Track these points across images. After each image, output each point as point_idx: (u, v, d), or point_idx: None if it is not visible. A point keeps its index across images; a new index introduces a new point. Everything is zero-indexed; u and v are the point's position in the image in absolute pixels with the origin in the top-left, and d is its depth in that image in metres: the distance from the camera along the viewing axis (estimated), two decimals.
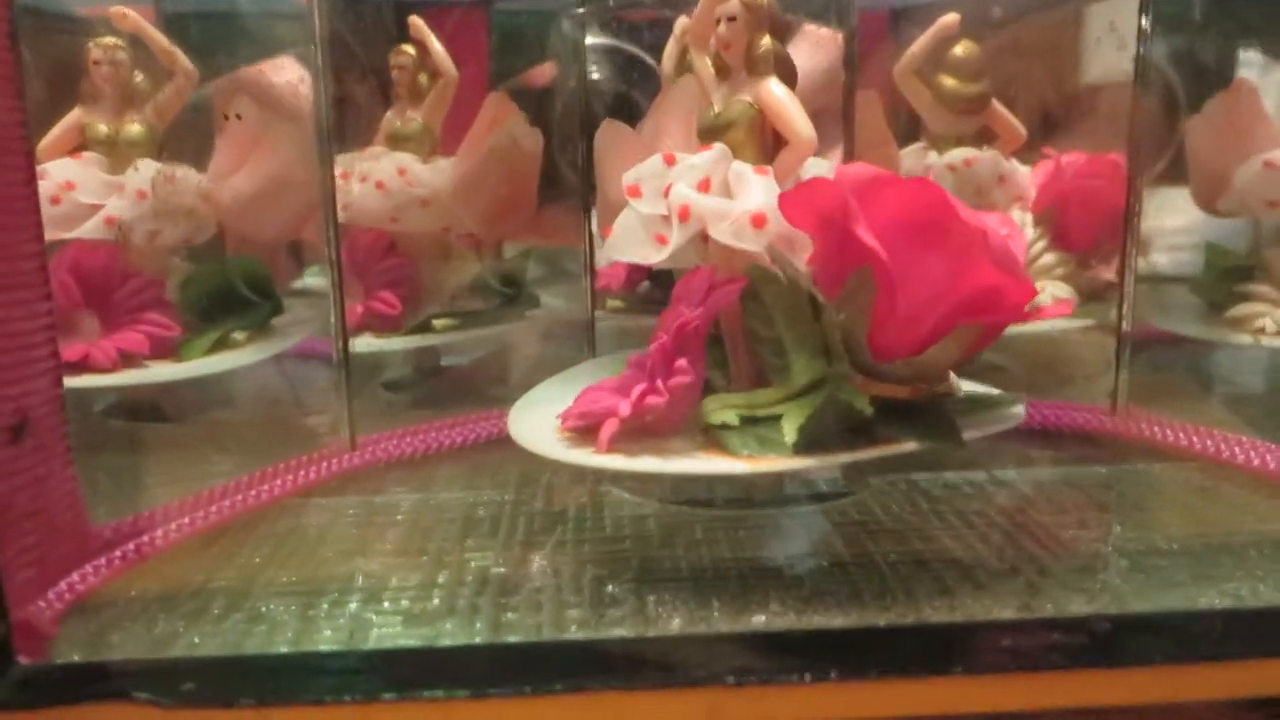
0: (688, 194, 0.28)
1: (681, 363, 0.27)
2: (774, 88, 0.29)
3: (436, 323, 0.46)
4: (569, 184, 0.44)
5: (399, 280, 0.47)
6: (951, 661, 0.22)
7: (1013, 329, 0.30)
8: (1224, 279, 0.45)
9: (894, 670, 0.22)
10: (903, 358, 0.26)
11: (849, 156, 0.42)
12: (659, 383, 0.27)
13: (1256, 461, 0.33)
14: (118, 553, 0.27)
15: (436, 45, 0.46)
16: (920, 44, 0.48)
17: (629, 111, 0.44)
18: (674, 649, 0.23)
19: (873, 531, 0.29)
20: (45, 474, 0.26)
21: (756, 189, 0.28)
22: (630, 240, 0.29)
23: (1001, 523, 0.30)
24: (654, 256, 0.29)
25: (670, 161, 0.30)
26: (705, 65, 0.31)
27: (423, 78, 0.47)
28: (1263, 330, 0.41)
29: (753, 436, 0.26)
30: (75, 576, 0.26)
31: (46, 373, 0.26)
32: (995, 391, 0.31)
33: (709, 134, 0.30)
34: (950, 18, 0.47)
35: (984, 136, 0.49)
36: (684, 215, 0.28)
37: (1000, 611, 0.24)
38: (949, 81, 0.48)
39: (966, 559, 0.27)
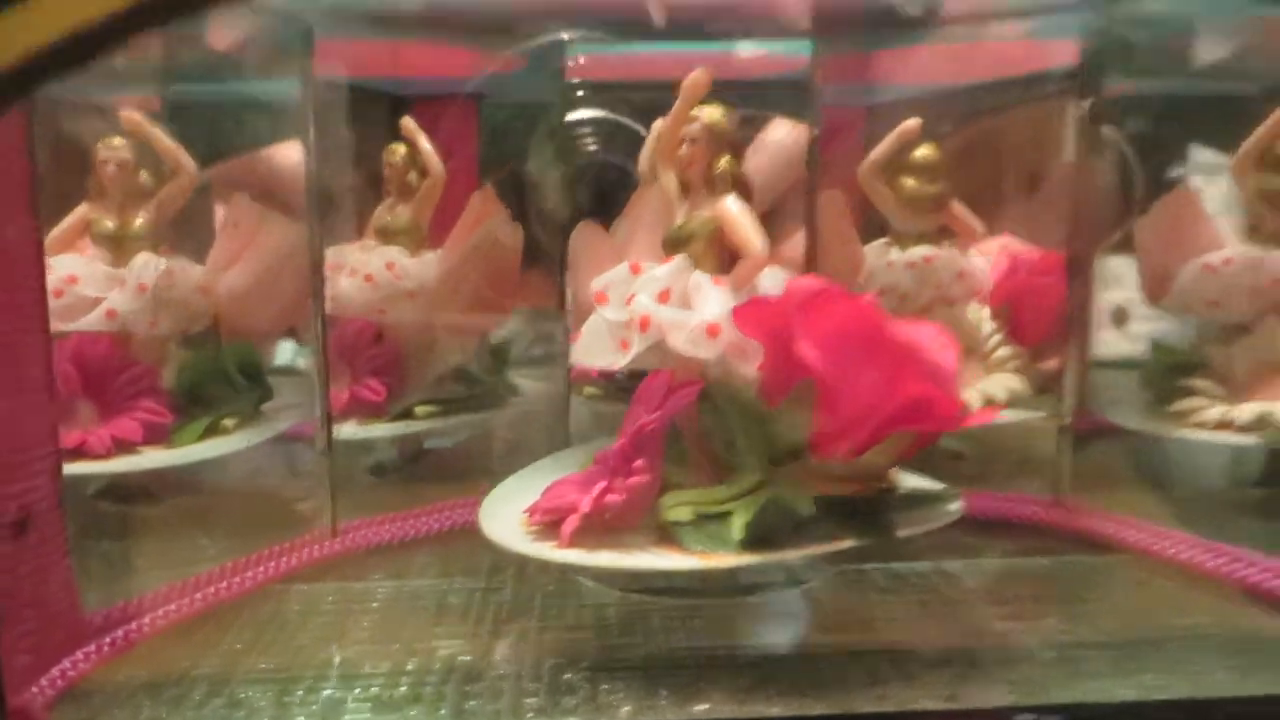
0: (648, 305, 0.30)
1: (639, 463, 0.29)
2: (730, 204, 0.32)
3: (419, 409, 0.48)
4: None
5: (385, 368, 0.49)
6: None
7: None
8: (1169, 374, 0.47)
9: None
10: (842, 461, 0.28)
11: (810, 255, 0.45)
12: (618, 482, 0.29)
13: (1186, 556, 0.35)
14: (107, 639, 0.29)
15: (425, 145, 0.49)
16: (883, 147, 0.51)
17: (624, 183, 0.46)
18: None
19: (819, 621, 0.31)
20: (45, 566, 0.28)
21: (713, 300, 0.31)
22: (595, 345, 0.32)
23: (940, 614, 0.32)
24: (617, 362, 0.31)
25: (636, 271, 0.33)
26: (671, 180, 0.34)
27: (412, 175, 0.50)
28: (1203, 424, 0.43)
29: (705, 533, 0.28)
30: (67, 663, 0.28)
31: (49, 470, 0.28)
32: (937, 487, 0.33)
33: (672, 245, 0.33)
34: (912, 123, 0.50)
35: (945, 233, 0.52)
36: (644, 325, 0.30)
37: (927, 702, 0.25)
38: (910, 183, 0.51)
39: (902, 649, 0.29)
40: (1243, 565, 0.33)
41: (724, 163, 0.32)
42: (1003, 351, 0.50)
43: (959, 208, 0.52)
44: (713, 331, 0.30)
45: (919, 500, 0.31)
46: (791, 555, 0.28)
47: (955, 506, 0.32)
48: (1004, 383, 0.49)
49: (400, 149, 0.49)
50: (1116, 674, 0.27)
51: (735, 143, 0.33)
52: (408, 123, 0.49)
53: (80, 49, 0.19)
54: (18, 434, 0.27)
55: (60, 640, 0.28)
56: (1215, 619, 0.31)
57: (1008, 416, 0.46)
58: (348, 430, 0.47)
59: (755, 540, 0.28)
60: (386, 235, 0.49)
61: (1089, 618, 0.31)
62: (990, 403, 0.48)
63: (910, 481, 0.33)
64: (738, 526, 0.28)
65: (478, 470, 0.50)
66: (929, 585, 0.34)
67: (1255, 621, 0.31)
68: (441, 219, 0.50)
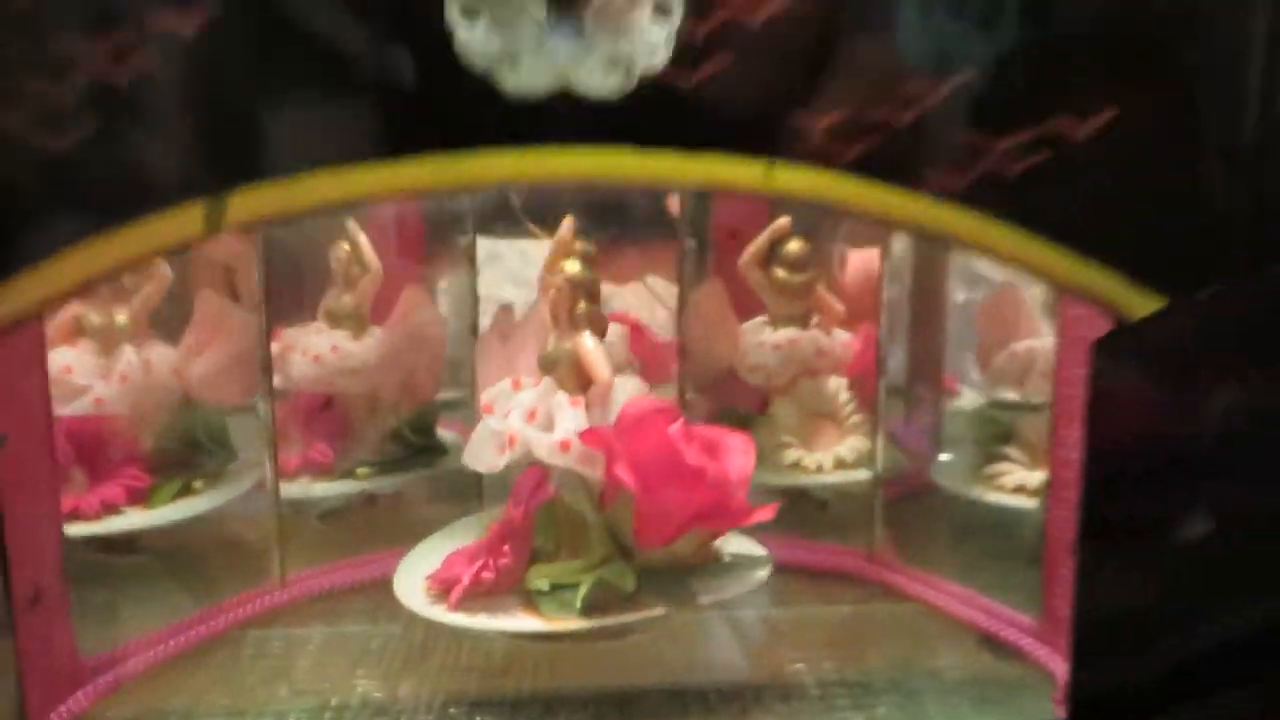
0: (516, 425, 0.39)
1: (506, 549, 0.38)
2: (586, 340, 0.41)
3: (360, 470, 0.57)
4: None
5: (332, 433, 0.58)
6: None
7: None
8: (988, 441, 0.57)
9: None
10: (657, 548, 0.38)
11: (682, 339, 0.54)
12: (491, 561, 0.38)
13: (959, 608, 0.44)
14: (100, 680, 0.38)
15: (363, 243, 0.58)
16: (758, 242, 0.60)
17: None
18: None
19: (652, 663, 0.40)
20: (52, 626, 0.36)
21: (568, 419, 0.40)
22: (480, 449, 0.41)
23: (749, 655, 0.41)
24: (496, 466, 0.40)
25: (516, 387, 0.42)
26: (545, 311, 0.43)
27: (355, 268, 0.58)
28: (1003, 488, 0.53)
29: (557, 601, 0.38)
30: (71, 701, 0.37)
31: (54, 545, 0.37)
32: (756, 553, 0.42)
33: (543, 366, 0.42)
34: (782, 221, 0.59)
35: (811, 314, 0.61)
36: (512, 442, 0.39)
37: None
38: (781, 273, 0.60)
39: (709, 686, 0.38)
40: (983, 615, 0.42)
41: (582, 307, 0.41)
42: (856, 418, 0.59)
43: (824, 293, 0.61)
44: (565, 447, 0.39)
45: (731, 569, 0.41)
46: (613, 621, 0.37)
47: (763, 573, 0.41)
48: (855, 445, 0.58)
49: (345, 245, 0.58)
50: (857, 709, 0.36)
51: (594, 289, 0.42)
52: (351, 224, 0.58)
53: None
54: (33, 521, 0.36)
55: (63, 683, 0.37)
56: (958, 661, 0.40)
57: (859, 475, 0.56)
58: (300, 487, 0.56)
59: (590, 609, 0.37)
60: (333, 320, 0.58)
61: (859, 660, 0.40)
62: (841, 463, 0.57)
63: (735, 547, 0.42)
64: (577, 598, 0.37)
65: (409, 521, 0.59)
66: (749, 631, 0.43)
67: (988, 664, 0.40)
68: (381, 306, 0.59)
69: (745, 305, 0.60)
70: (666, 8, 0.27)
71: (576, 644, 0.40)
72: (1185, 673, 0.28)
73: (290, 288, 0.59)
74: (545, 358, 0.42)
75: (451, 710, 0.37)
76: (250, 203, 0.27)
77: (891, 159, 0.29)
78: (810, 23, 0.28)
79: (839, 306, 0.61)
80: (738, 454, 0.39)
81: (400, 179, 0.28)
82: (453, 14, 0.27)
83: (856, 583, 0.48)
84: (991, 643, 0.41)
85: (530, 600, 0.38)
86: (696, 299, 0.60)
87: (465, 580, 0.38)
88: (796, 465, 0.57)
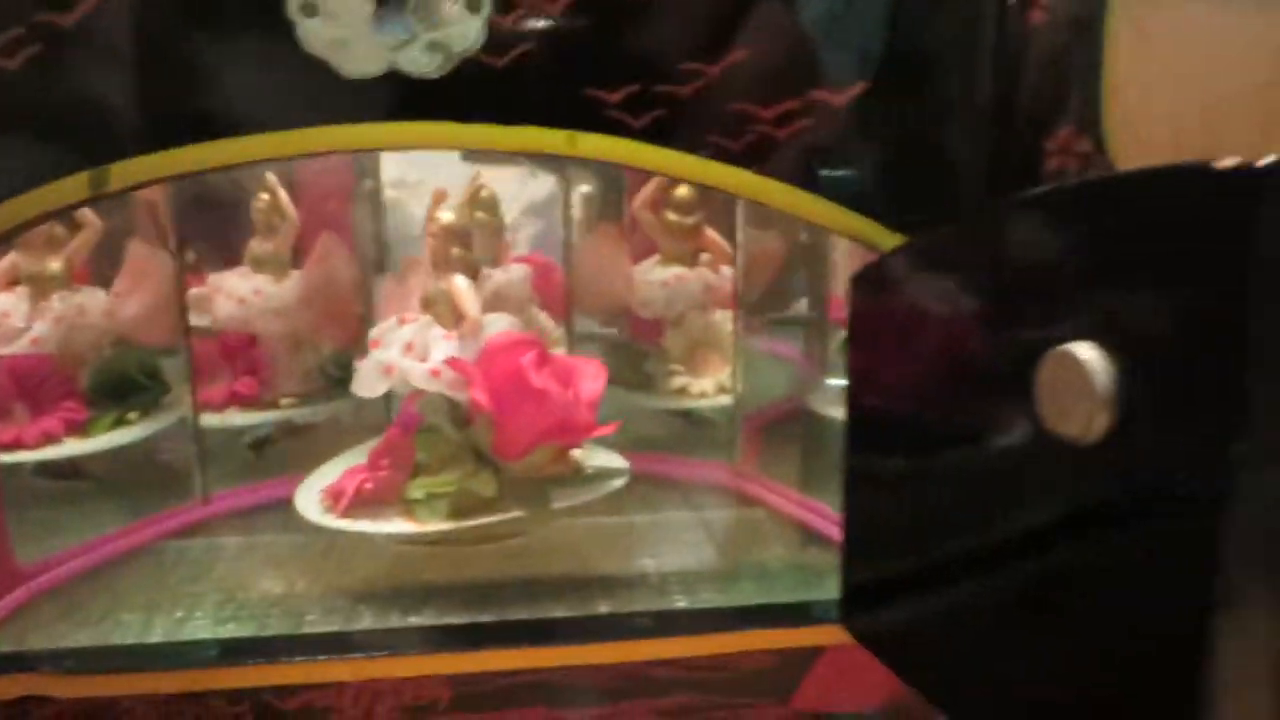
0: (394, 356, 0.45)
1: (385, 462, 0.44)
2: (458, 281, 0.46)
3: (283, 401, 0.62)
4: None
5: (257, 368, 0.63)
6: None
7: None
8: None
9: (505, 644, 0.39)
10: (515, 460, 0.43)
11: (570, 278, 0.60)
12: (372, 474, 0.44)
13: (797, 511, 0.50)
14: (35, 582, 0.44)
15: (282, 196, 0.62)
16: (649, 187, 0.65)
17: None
18: (367, 638, 0.40)
19: (520, 559, 0.46)
20: None
21: (440, 350, 0.45)
22: (365, 378, 0.46)
23: (610, 552, 0.47)
24: (378, 390, 0.45)
25: (402, 322, 0.47)
26: (428, 253, 0.48)
27: (275, 217, 0.63)
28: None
29: (429, 508, 0.43)
30: (8, 599, 0.42)
31: None
32: (615, 465, 0.48)
33: (423, 304, 0.47)
34: None
35: (701, 253, 0.67)
36: (390, 371, 0.45)
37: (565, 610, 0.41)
38: (671, 216, 0.65)
39: (559, 579, 0.44)
40: (816, 516, 0.48)
41: (455, 251, 0.46)
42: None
43: (711, 234, 0.66)
44: (435, 374, 0.44)
45: (589, 479, 0.47)
46: (475, 523, 0.43)
47: (618, 482, 0.47)
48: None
49: (264, 196, 0.63)
50: (685, 594, 0.42)
51: (465, 236, 0.47)
52: (269, 177, 0.62)
53: None
54: None
55: (2, 584, 0.43)
56: (783, 554, 0.47)
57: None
58: (229, 416, 0.61)
59: (456, 513, 0.43)
60: (257, 264, 0.63)
61: (698, 555, 0.47)
62: (721, 388, 0.63)
63: (599, 460, 0.48)
64: (445, 503, 0.43)
65: (326, 447, 0.64)
66: (611, 533, 0.49)
67: (811, 556, 0.46)
68: (300, 251, 0.64)
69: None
70: (477, 4, 0.33)
71: (452, 546, 0.46)
72: (936, 571, 0.34)
73: (222, 235, 0.64)
74: (425, 297, 0.47)
75: (338, 602, 0.43)
76: (131, 169, 0.33)
77: (677, 126, 0.34)
78: (601, 11, 0.33)
79: (726, 247, 0.67)
80: (588, 379, 0.44)
81: (256, 149, 0.33)
82: (293, 10, 0.32)
83: (719, 493, 0.54)
84: (818, 539, 0.47)
85: (409, 508, 0.44)
86: (592, 241, 0.65)
87: (349, 491, 0.44)
88: (683, 390, 0.63)
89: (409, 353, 0.45)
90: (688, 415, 0.64)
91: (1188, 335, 0.22)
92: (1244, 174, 0.20)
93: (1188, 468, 0.22)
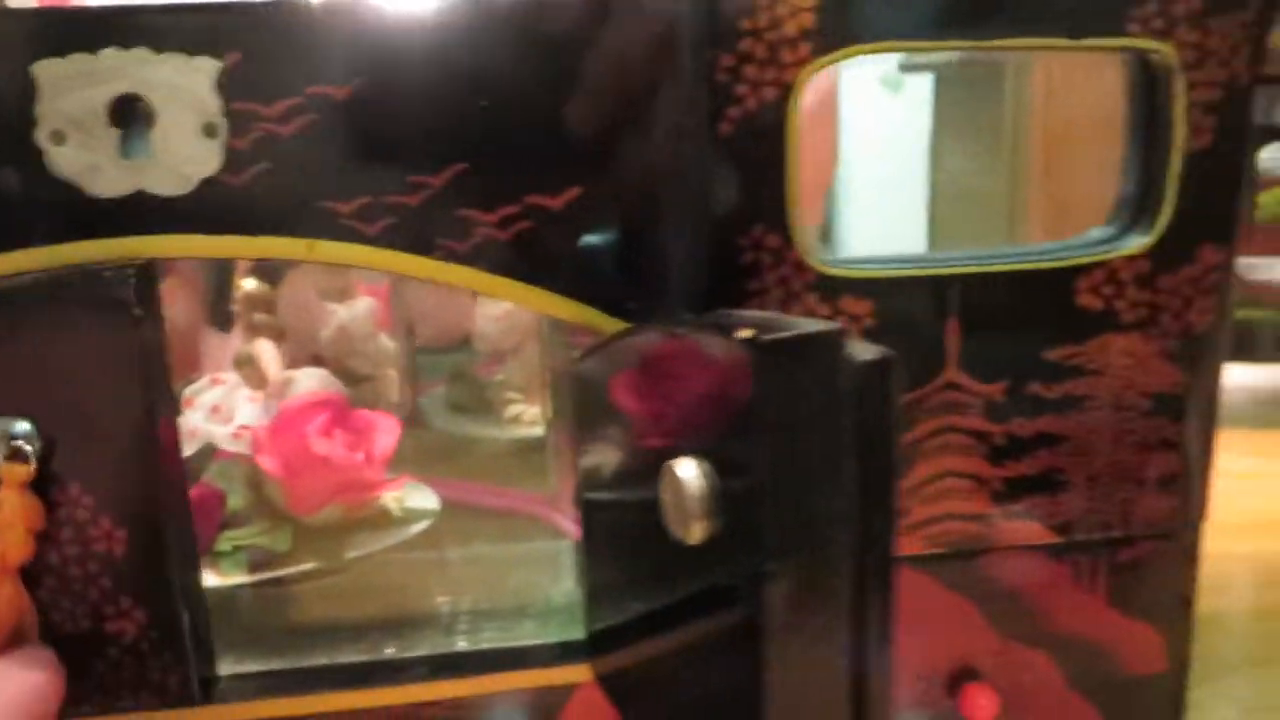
0: (196, 420, 0.48)
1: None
2: (262, 346, 0.50)
3: None
4: None
5: None
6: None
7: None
8: None
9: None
10: (311, 514, 0.47)
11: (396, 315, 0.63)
12: None
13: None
14: None
15: None
16: None
17: None
18: None
19: (329, 597, 0.50)
20: None
21: (244, 412, 0.49)
22: None
23: (400, 594, 0.51)
24: (186, 452, 0.49)
25: (216, 383, 0.51)
26: (238, 318, 0.51)
27: None
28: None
29: (233, 560, 0.47)
30: None
31: None
32: (426, 505, 0.52)
33: (235, 365, 0.51)
34: None
35: None
36: (193, 434, 0.48)
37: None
38: None
39: (360, 621, 0.48)
40: None
41: (258, 316, 0.50)
42: None
43: None
44: (237, 436, 0.48)
45: (397, 521, 0.51)
46: (269, 575, 0.47)
47: (422, 525, 0.51)
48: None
49: None
50: (471, 633, 0.47)
51: (268, 301, 0.50)
52: None
53: None
54: None
55: None
56: (569, 590, 0.51)
57: None
58: None
59: (255, 565, 0.46)
60: None
61: (494, 588, 0.51)
62: None
63: (413, 499, 0.52)
64: (244, 556, 0.47)
65: None
66: (417, 570, 0.53)
67: None
68: None
69: None
70: (213, 130, 0.36)
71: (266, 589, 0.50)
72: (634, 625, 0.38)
73: None
74: (235, 358, 0.51)
75: None
76: None
77: (406, 232, 0.38)
78: (330, 134, 0.37)
79: None
80: (382, 434, 0.48)
81: (15, 264, 0.36)
82: (42, 138, 0.35)
83: (534, 525, 0.58)
84: None
85: (215, 560, 0.48)
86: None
87: None
88: (517, 419, 0.67)
89: (215, 415, 0.49)
90: (523, 443, 0.68)
91: (731, 468, 0.27)
92: (747, 343, 0.25)
93: (741, 572, 0.27)
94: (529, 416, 0.66)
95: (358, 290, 0.67)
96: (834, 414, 0.24)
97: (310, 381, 0.50)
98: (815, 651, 0.26)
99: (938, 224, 2.17)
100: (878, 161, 2.50)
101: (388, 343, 0.66)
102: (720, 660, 0.30)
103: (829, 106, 0.62)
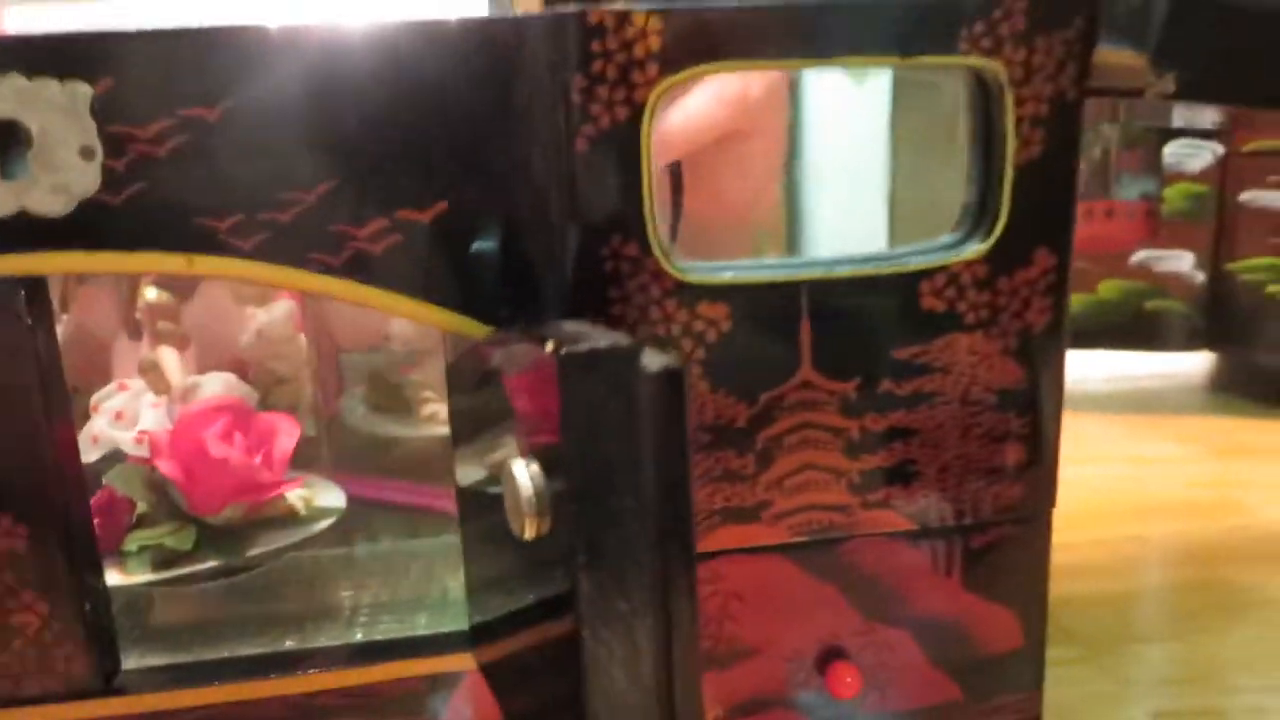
0: (99, 426, 0.50)
1: (98, 519, 0.49)
2: (164, 353, 0.52)
3: None
4: None
5: None
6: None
7: None
8: None
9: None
10: (214, 514, 0.49)
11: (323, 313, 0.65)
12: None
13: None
14: None
15: None
16: None
17: None
18: None
19: (235, 594, 0.52)
20: None
21: (147, 417, 0.51)
22: (81, 444, 0.51)
23: (311, 586, 0.53)
24: (89, 457, 0.51)
25: (121, 389, 0.52)
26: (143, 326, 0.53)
27: None
28: None
29: (140, 559, 0.49)
30: None
31: None
32: (332, 502, 0.54)
33: (140, 371, 0.53)
34: None
35: None
36: (95, 440, 0.50)
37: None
38: None
39: (270, 615, 0.50)
40: None
41: (161, 325, 0.52)
42: None
43: None
44: (139, 440, 0.50)
45: (303, 519, 0.53)
46: (172, 574, 0.49)
47: (327, 522, 0.53)
48: None
49: None
50: (371, 625, 0.49)
51: (169, 310, 0.52)
52: None
53: None
54: None
55: None
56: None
57: None
58: None
59: (160, 564, 0.48)
60: None
61: (396, 582, 0.53)
62: None
63: (320, 497, 0.54)
64: (149, 555, 0.48)
65: None
66: (325, 565, 0.55)
67: None
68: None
69: None
70: (90, 152, 0.38)
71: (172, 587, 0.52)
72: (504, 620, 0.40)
73: None
74: (140, 364, 0.52)
75: None
76: None
77: (281, 247, 0.40)
78: (204, 153, 0.39)
79: None
80: (283, 436, 0.50)
81: None
82: None
83: (441, 520, 0.61)
84: None
85: (122, 559, 0.50)
86: None
87: None
88: (433, 417, 0.69)
89: (119, 420, 0.51)
90: (440, 441, 0.70)
91: (554, 469, 0.29)
92: (554, 354, 0.27)
93: (562, 570, 0.29)
94: (444, 415, 0.68)
95: (276, 294, 0.69)
96: (630, 418, 0.26)
97: (215, 386, 0.52)
98: (628, 637, 0.28)
99: (896, 217, 2.20)
100: (843, 154, 2.52)
101: (305, 344, 0.68)
102: (563, 652, 0.32)
103: (778, 105, 0.63)
